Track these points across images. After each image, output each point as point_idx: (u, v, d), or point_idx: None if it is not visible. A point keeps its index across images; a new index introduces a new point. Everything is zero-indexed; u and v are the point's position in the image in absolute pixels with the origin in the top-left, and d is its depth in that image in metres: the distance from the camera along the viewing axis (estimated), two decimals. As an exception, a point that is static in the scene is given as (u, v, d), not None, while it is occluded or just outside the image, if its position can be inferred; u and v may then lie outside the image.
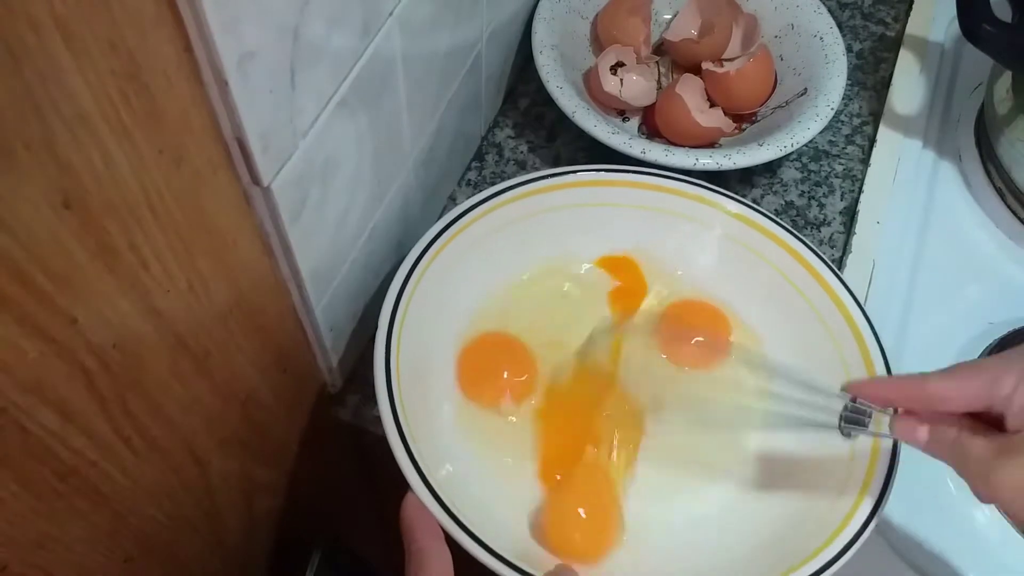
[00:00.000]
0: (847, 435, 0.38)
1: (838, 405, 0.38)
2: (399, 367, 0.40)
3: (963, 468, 0.33)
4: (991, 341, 0.51)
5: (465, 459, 0.42)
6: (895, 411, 0.36)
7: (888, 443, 0.40)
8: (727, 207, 0.49)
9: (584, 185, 0.49)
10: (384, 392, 0.39)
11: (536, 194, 0.48)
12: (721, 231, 0.49)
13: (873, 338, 0.44)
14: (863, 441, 0.41)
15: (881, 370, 0.43)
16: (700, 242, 0.49)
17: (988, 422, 0.33)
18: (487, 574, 0.36)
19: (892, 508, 0.45)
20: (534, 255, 0.49)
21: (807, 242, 0.47)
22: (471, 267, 0.47)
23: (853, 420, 0.37)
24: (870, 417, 0.37)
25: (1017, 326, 0.52)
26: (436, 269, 0.45)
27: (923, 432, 0.34)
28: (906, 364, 0.50)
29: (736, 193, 0.57)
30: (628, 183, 0.49)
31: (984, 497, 0.32)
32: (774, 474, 0.44)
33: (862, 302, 0.46)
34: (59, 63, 0.22)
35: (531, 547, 0.39)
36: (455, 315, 0.46)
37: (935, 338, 0.52)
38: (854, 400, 0.37)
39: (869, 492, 0.39)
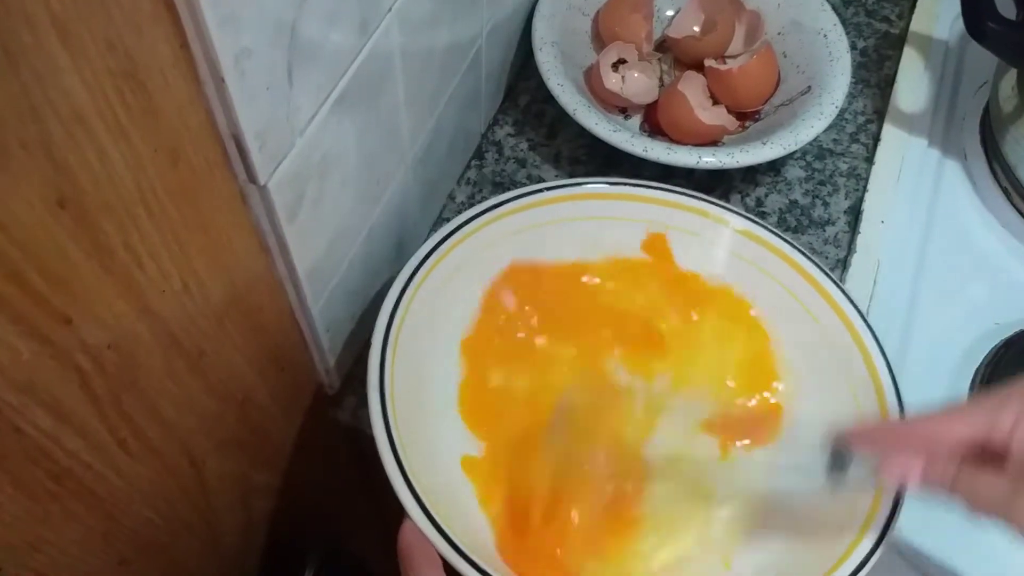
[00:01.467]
0: (833, 487, 0.36)
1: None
2: (394, 389, 0.39)
3: (973, 502, 0.32)
4: (997, 341, 0.51)
5: (465, 484, 0.42)
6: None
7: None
8: (731, 222, 0.48)
9: (587, 198, 0.48)
10: (379, 417, 0.38)
11: (539, 206, 0.47)
12: (725, 245, 0.48)
13: (879, 353, 0.44)
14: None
15: (887, 382, 0.43)
16: (704, 255, 0.49)
17: (983, 457, 0.32)
18: None
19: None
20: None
21: (812, 258, 0.47)
22: (469, 281, 0.46)
23: (836, 467, 0.36)
24: (851, 462, 0.35)
25: (1023, 326, 0.51)
26: (431, 284, 0.44)
27: (916, 470, 0.33)
28: (911, 365, 0.50)
29: (740, 191, 0.57)
30: (632, 196, 0.48)
31: (1000, 521, 0.32)
32: (771, 510, 0.42)
33: (867, 303, 0.45)
34: (56, 61, 0.22)
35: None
36: (452, 336, 0.45)
37: (940, 338, 0.51)
38: (836, 448, 0.36)
39: (872, 527, 0.38)
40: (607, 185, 0.49)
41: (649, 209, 0.49)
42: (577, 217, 0.48)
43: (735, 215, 0.48)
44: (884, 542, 0.38)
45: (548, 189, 0.48)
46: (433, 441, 0.41)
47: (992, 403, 0.33)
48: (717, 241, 0.48)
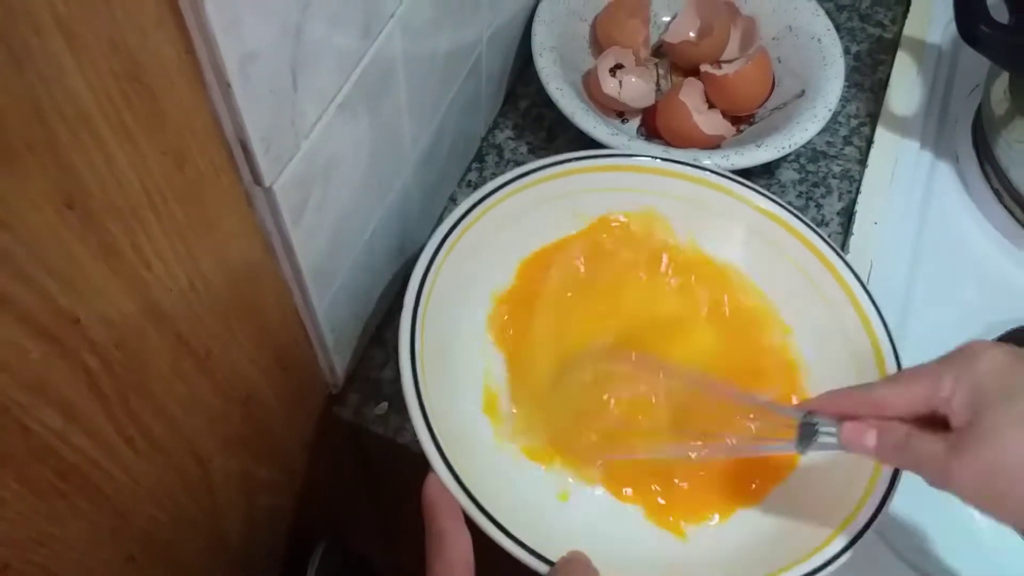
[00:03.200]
0: (802, 451, 0.38)
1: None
2: (423, 349, 0.41)
3: (917, 466, 0.34)
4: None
5: (487, 442, 0.43)
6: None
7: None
8: (753, 200, 0.49)
9: (615, 170, 0.49)
10: (408, 368, 0.39)
11: (569, 175, 0.48)
12: (743, 224, 0.49)
13: (880, 321, 0.45)
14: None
15: (888, 353, 0.44)
16: (721, 231, 0.50)
17: (933, 425, 0.34)
18: (506, 557, 0.36)
19: (892, 508, 0.45)
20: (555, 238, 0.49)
21: (818, 231, 0.48)
22: (496, 249, 0.47)
23: (805, 434, 0.37)
24: (819, 429, 0.37)
25: (1014, 326, 0.52)
26: (460, 250, 0.45)
27: (871, 437, 0.35)
28: (904, 365, 0.50)
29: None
30: (655, 169, 0.49)
31: (943, 488, 0.33)
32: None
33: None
34: (61, 64, 0.22)
35: (552, 532, 0.39)
36: (480, 297, 0.46)
37: (933, 339, 0.51)
38: (806, 416, 0.38)
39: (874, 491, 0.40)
40: (639, 158, 0.49)
41: (663, 182, 0.49)
42: (609, 189, 0.49)
43: (751, 191, 0.49)
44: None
45: (596, 157, 0.49)
46: (458, 398, 0.43)
47: (932, 371, 0.34)
48: (736, 218, 0.49)
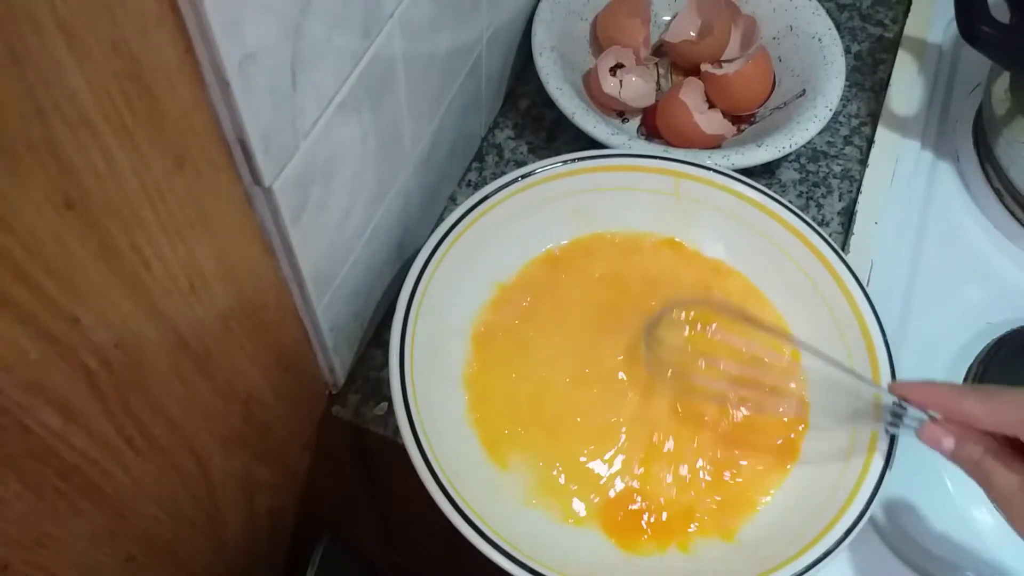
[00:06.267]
0: (889, 432, 0.40)
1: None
2: (414, 351, 0.41)
3: (987, 490, 0.35)
4: (989, 341, 0.51)
5: (474, 448, 0.43)
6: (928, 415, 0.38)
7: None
8: (745, 193, 0.49)
9: (613, 170, 0.49)
10: (396, 371, 0.40)
11: (563, 177, 0.48)
12: (744, 222, 0.49)
13: (876, 323, 0.45)
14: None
15: (882, 352, 0.45)
16: (721, 229, 0.50)
17: (1016, 447, 0.34)
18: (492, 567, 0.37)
19: (891, 507, 0.45)
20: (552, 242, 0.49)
21: (819, 230, 0.48)
22: (495, 251, 0.47)
23: (895, 418, 0.40)
24: (905, 419, 0.39)
25: (1015, 326, 0.52)
26: (458, 252, 0.45)
27: (948, 443, 0.36)
28: (905, 365, 0.50)
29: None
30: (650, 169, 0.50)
31: (1003, 517, 0.34)
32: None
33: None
34: (61, 64, 0.22)
35: (552, 544, 0.39)
36: (473, 301, 0.47)
37: (933, 338, 0.52)
38: (898, 400, 0.39)
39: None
40: (634, 158, 0.50)
41: (644, 178, 0.50)
42: (603, 188, 0.49)
43: (741, 184, 0.49)
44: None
45: (586, 159, 0.49)
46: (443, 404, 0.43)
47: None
48: (730, 211, 0.49)
